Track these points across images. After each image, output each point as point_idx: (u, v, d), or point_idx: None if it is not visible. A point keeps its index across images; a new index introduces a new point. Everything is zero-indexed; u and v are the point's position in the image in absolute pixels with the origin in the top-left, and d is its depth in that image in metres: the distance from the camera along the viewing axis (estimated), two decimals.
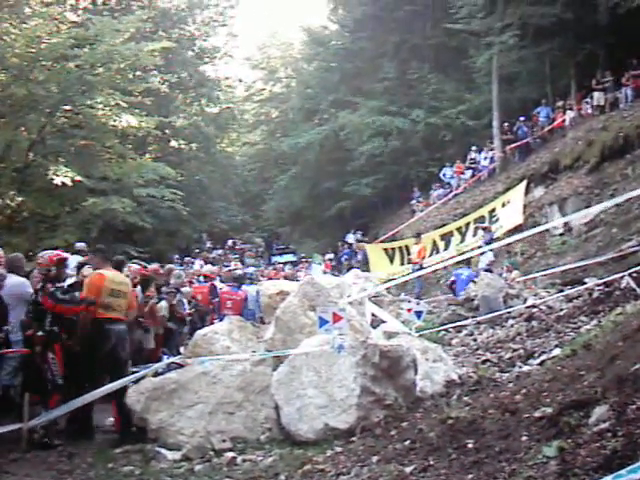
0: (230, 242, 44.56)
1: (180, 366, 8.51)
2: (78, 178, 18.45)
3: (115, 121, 20.66)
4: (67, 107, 20.12)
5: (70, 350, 7.96)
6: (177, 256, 30.67)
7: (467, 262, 16.16)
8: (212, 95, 38.85)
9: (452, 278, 16.59)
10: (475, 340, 11.86)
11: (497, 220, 21.43)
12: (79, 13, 28.18)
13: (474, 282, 15.34)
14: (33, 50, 18.61)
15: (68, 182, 18.19)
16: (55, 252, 8.59)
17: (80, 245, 12.39)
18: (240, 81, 47.90)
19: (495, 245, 16.75)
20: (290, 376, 7.64)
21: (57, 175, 18.20)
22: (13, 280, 8.05)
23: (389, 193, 32.72)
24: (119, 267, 8.92)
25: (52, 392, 7.66)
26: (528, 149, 25.28)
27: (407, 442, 6.10)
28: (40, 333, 7.65)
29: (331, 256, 31.67)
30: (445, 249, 22.92)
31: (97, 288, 8.14)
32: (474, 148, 28.03)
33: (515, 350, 10.21)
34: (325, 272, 26.55)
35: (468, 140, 29.04)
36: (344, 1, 38.69)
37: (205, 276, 15.26)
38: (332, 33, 40.18)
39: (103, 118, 20.45)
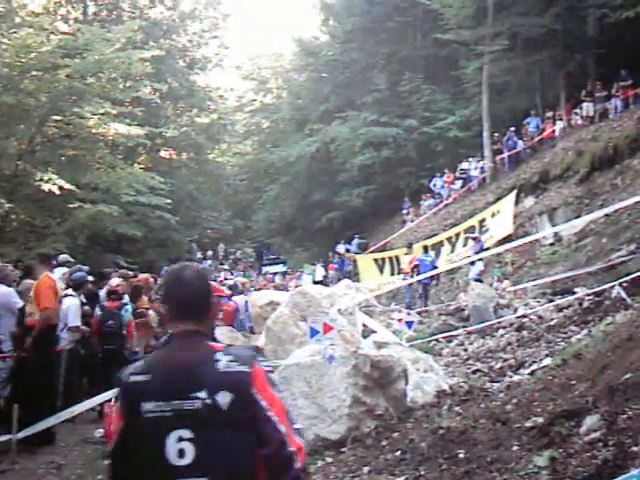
0: (221, 247, 44.61)
1: None
2: (67, 187, 18.37)
3: (104, 129, 20.61)
4: (57, 117, 20.06)
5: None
6: (166, 267, 30.59)
7: (426, 250, 19.41)
8: (203, 105, 38.93)
9: (416, 263, 18.26)
10: (466, 350, 11.84)
11: (487, 230, 21.44)
12: (70, 23, 28.21)
13: (436, 267, 17.97)
14: (23, 60, 18.56)
15: (56, 190, 18.11)
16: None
17: (63, 257, 12.29)
18: (231, 90, 48.02)
19: (485, 254, 16.78)
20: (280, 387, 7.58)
21: (45, 182, 18.12)
22: (0, 290, 8.00)
23: (380, 203, 32.76)
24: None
25: None
26: (518, 159, 25.36)
27: (398, 452, 6.08)
28: None
29: (322, 265, 31.69)
30: (435, 261, 22.93)
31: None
32: (465, 158, 28.11)
33: (506, 360, 10.19)
34: (325, 276, 26.96)
35: (458, 150, 29.14)
36: (335, 12, 38.85)
37: None
38: (323, 44, 40.33)
39: (93, 128, 20.40)
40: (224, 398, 2.27)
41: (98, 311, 9.63)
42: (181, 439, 2.26)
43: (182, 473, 2.26)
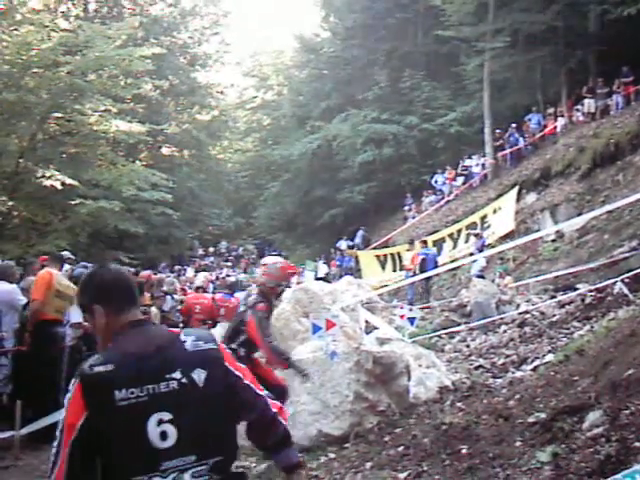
0: (223, 244, 44.56)
1: None
2: (69, 182, 18.40)
3: (105, 126, 20.64)
4: (58, 114, 20.08)
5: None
6: (164, 264, 30.56)
7: (425, 243, 19.78)
8: (204, 102, 38.96)
9: (422, 257, 18.40)
10: (468, 346, 11.85)
11: (489, 227, 21.43)
12: (71, 20, 28.23)
13: (437, 261, 18.75)
14: (24, 57, 18.57)
15: (58, 185, 18.14)
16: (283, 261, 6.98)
17: (65, 254, 12.32)
18: (232, 85, 48.09)
19: (488, 253, 16.81)
20: None
21: (47, 177, 18.16)
22: (3, 287, 8.01)
23: (381, 200, 32.71)
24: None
25: None
26: (519, 156, 25.32)
27: (401, 448, 6.08)
28: None
29: (324, 261, 31.66)
30: (437, 255, 22.93)
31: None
32: (466, 155, 28.08)
33: (508, 356, 10.20)
34: (327, 272, 26.99)
35: (459, 147, 29.09)
36: (336, 9, 38.73)
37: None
38: (324, 41, 40.23)
39: (94, 125, 20.42)
40: (199, 375, 2.35)
41: None
42: (161, 422, 2.28)
43: (168, 455, 2.28)
